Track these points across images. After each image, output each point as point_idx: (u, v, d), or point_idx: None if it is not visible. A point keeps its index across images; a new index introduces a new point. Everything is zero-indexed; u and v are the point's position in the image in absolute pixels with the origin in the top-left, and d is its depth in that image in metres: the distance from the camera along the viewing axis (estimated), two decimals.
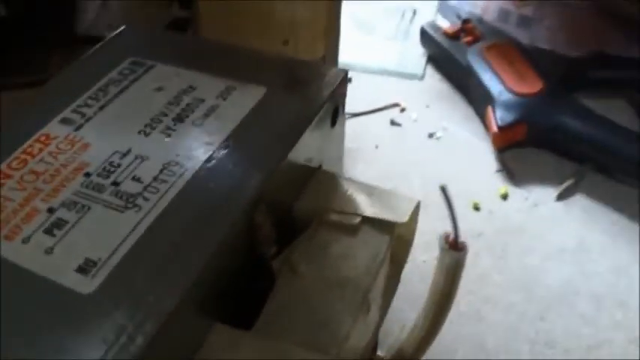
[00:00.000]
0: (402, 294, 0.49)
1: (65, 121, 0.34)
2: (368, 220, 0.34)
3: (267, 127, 0.34)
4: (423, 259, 0.55)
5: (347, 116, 0.41)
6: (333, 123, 0.37)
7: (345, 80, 0.38)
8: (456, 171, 0.63)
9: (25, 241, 0.28)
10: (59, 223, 0.28)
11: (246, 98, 0.35)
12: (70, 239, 0.28)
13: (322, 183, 0.36)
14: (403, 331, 0.39)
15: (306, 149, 0.35)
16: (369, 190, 0.35)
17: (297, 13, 0.56)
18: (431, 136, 0.69)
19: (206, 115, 0.34)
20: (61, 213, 0.29)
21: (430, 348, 0.49)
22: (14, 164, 0.31)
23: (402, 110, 0.72)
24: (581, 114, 0.66)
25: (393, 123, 0.71)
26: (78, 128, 0.33)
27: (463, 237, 0.57)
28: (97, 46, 0.40)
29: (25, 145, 0.32)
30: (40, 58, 0.68)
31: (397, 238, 0.36)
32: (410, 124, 0.71)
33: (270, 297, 0.30)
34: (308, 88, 0.36)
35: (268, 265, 0.31)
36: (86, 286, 0.26)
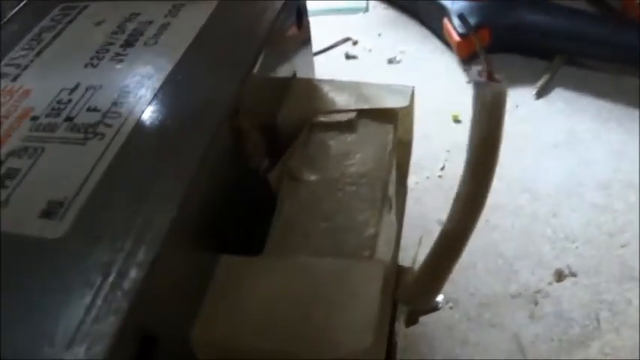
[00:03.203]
0: None
1: None
2: (365, 114, 0.29)
3: (227, 35, 0.29)
4: (415, 181, 0.51)
5: None
6: (299, 24, 0.33)
7: None
8: (426, 88, 0.59)
9: None
10: (10, 173, 0.23)
11: (198, 11, 0.31)
12: (26, 186, 0.23)
13: (302, 89, 0.31)
14: (420, 242, 0.35)
15: (275, 55, 0.30)
16: (356, 86, 0.31)
17: None
18: (391, 61, 0.65)
19: (157, 34, 0.30)
20: (11, 162, 0.24)
21: None
22: None
23: (355, 43, 0.68)
24: (542, 7, 0.62)
25: (348, 57, 0.66)
26: (15, 79, 0.29)
27: (451, 150, 0.54)
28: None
29: None
30: None
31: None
32: (366, 55, 0.67)
33: (276, 213, 0.26)
34: None
35: (264, 179, 0.27)
36: (54, 230, 0.21)
